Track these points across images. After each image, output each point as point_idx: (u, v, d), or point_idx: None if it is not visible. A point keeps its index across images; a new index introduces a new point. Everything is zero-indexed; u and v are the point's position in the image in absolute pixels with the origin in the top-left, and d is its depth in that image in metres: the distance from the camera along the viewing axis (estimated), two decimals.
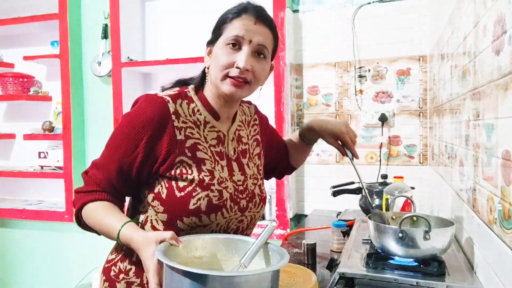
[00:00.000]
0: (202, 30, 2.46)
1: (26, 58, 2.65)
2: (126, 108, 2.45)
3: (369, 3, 2.17)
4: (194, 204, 0.93)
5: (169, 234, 0.82)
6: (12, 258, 2.89)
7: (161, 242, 0.81)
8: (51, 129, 2.68)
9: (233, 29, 0.95)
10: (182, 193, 0.93)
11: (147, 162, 0.94)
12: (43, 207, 2.67)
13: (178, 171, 0.94)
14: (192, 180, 0.94)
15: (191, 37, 2.47)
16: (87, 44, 2.69)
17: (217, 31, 0.98)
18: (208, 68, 1.00)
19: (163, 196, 0.94)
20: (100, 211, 0.93)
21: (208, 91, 1.02)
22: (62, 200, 2.64)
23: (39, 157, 2.69)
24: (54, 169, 2.67)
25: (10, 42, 2.89)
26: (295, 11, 2.29)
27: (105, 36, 2.60)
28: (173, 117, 0.95)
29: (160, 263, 0.78)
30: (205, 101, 1.01)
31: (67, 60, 2.57)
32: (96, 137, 2.68)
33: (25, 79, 2.71)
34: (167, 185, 0.94)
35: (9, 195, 2.94)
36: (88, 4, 2.67)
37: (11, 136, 2.87)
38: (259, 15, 0.97)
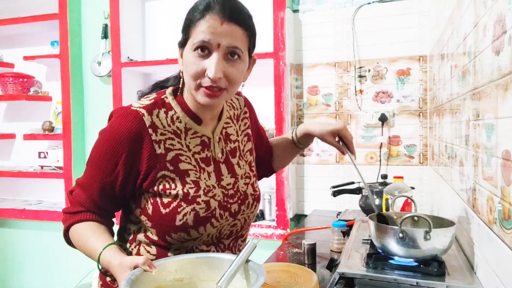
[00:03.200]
0: None
1: (26, 58, 2.65)
2: None
3: (369, 3, 2.17)
4: (180, 220, 0.89)
5: (141, 259, 0.78)
6: (12, 258, 2.89)
7: (134, 267, 0.77)
8: (51, 129, 2.68)
9: (198, 33, 0.85)
10: (167, 210, 0.90)
11: (129, 180, 0.90)
12: (43, 207, 2.68)
13: (161, 187, 0.90)
14: (176, 195, 0.90)
15: None
16: (87, 44, 2.69)
17: (185, 33, 0.89)
18: (182, 72, 0.93)
19: (149, 212, 0.91)
20: (85, 233, 0.91)
21: (187, 94, 0.96)
22: (62, 200, 2.65)
23: (39, 157, 2.70)
24: (54, 169, 2.67)
25: (10, 42, 2.89)
26: (295, 11, 2.29)
27: (105, 36, 2.60)
28: (150, 130, 0.89)
29: None
30: (185, 106, 0.95)
31: (67, 60, 2.57)
32: (96, 137, 2.67)
33: (25, 79, 2.71)
34: (152, 201, 0.91)
35: (9, 195, 2.94)
36: (88, 4, 2.67)
37: (11, 136, 2.87)
38: (226, 13, 0.85)
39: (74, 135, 2.61)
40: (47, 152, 2.68)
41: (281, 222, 2.16)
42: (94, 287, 2.52)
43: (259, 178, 1.27)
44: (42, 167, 2.71)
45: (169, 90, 0.97)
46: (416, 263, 0.97)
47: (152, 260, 0.81)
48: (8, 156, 2.95)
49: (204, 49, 0.86)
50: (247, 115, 1.12)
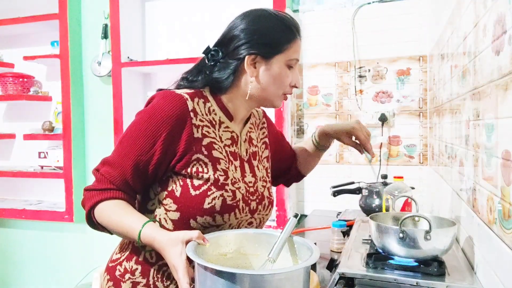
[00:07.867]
0: (202, 30, 2.47)
1: (26, 58, 2.65)
2: (126, 108, 2.46)
3: (369, 3, 2.17)
4: (209, 204, 0.93)
5: (195, 233, 0.82)
6: (12, 258, 2.89)
7: (187, 241, 0.81)
8: (51, 129, 2.68)
9: (294, 52, 1.00)
10: (197, 192, 0.93)
11: (165, 160, 0.93)
12: (43, 207, 2.67)
13: (194, 169, 0.94)
14: (208, 179, 0.94)
15: (191, 37, 2.47)
16: (87, 44, 2.69)
17: (275, 48, 0.98)
18: (256, 79, 0.98)
19: (177, 194, 0.94)
20: (117, 211, 0.91)
21: (232, 96, 1.01)
22: (62, 200, 2.64)
23: (39, 157, 2.69)
24: (54, 169, 2.66)
25: (10, 42, 2.89)
26: (295, 11, 2.29)
27: (105, 36, 2.60)
28: (192, 114, 0.95)
29: (188, 263, 0.79)
30: (220, 102, 1.02)
31: (67, 60, 2.57)
32: (96, 137, 2.68)
33: (25, 79, 2.71)
34: (181, 183, 0.94)
35: (9, 195, 2.94)
36: (88, 4, 2.67)
37: (11, 136, 2.87)
38: (301, 36, 1.03)
39: (74, 135, 2.61)
40: (47, 152, 2.68)
41: (281, 222, 2.16)
42: (94, 287, 2.52)
43: (288, 183, 1.36)
44: (42, 167, 2.71)
45: (207, 88, 1.03)
46: (416, 263, 0.97)
47: None
48: (8, 156, 2.95)
49: (291, 65, 1.01)
50: (265, 125, 1.19)
